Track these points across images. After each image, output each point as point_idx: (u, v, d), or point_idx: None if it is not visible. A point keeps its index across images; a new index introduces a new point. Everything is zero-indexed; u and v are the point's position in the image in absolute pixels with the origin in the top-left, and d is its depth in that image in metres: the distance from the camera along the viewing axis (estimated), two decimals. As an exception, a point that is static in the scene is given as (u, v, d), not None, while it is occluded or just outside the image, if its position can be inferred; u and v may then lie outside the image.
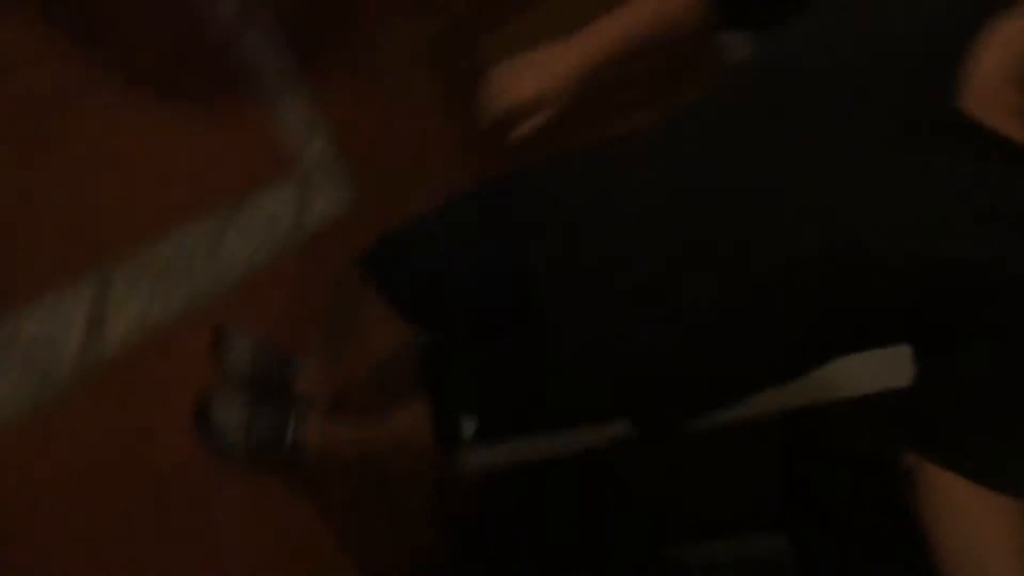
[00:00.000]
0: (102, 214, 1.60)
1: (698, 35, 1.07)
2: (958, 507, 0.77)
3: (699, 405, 1.08)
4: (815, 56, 0.83)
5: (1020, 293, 0.73)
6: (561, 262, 1.05)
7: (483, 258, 1.15)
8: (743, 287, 0.87)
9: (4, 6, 1.54)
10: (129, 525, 1.45)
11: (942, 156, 0.75)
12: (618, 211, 1.00)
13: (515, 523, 2.24)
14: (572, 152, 1.14)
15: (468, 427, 1.17)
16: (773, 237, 0.83)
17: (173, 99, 1.81)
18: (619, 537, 2.16)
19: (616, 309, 0.99)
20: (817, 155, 0.80)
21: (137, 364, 1.55)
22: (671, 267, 0.93)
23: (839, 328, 0.87)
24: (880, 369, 1.17)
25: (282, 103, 2.08)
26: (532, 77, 1.05)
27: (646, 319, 0.97)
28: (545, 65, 1.06)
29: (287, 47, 2.15)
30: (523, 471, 1.98)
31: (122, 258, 1.59)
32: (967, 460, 0.77)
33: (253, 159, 1.96)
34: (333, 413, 1.54)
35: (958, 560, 0.76)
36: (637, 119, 1.13)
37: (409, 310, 1.23)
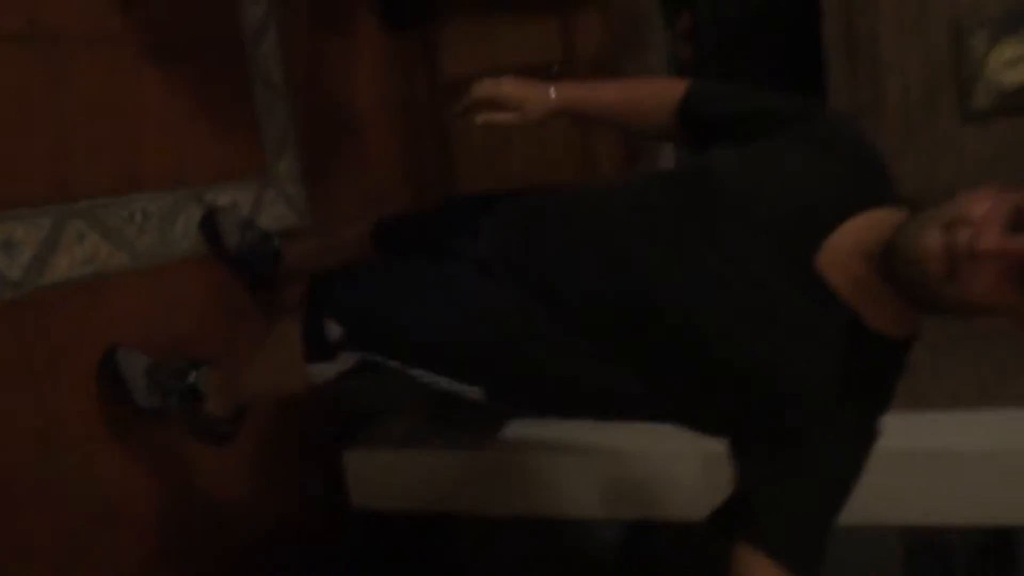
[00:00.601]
0: (82, 156, 1.68)
1: (654, 137, 1.38)
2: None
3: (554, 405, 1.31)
4: (741, 194, 1.09)
5: (816, 408, 1.01)
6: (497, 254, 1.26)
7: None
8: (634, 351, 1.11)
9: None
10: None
11: (795, 294, 1.03)
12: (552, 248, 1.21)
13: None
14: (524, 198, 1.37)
15: (334, 330, 1.25)
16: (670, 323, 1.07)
17: (181, 77, 1.92)
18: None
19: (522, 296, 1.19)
20: (721, 276, 1.06)
21: (63, 303, 1.62)
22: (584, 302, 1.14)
23: (694, 407, 1.12)
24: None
25: (270, 113, 2.21)
26: (518, 85, 1.29)
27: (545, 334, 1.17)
28: (532, 86, 1.29)
29: (290, 68, 2.30)
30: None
31: (86, 203, 1.67)
32: (768, 540, 0.99)
33: (229, 153, 2.07)
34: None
35: None
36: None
37: None
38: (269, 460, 2.12)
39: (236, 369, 1.59)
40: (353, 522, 2.32)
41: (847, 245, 1.03)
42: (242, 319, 2.01)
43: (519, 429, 2.25)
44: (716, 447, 1.13)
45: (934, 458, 1.88)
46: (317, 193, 2.36)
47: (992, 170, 2.43)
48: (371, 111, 2.67)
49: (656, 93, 1.30)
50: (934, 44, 2.47)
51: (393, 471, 2.26)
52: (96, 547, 1.66)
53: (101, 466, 1.68)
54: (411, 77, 2.85)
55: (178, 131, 1.92)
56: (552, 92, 1.29)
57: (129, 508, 1.74)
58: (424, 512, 2.25)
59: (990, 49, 2.36)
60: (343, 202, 2.46)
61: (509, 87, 1.28)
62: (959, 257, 0.88)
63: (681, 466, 1.98)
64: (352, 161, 2.55)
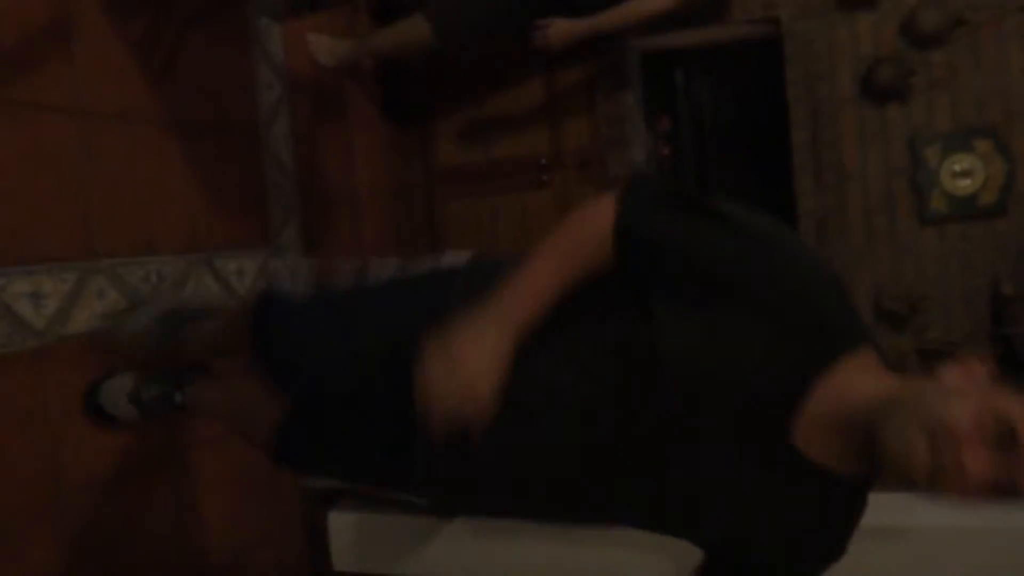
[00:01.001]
0: (107, 220, 1.80)
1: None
2: None
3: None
4: (700, 387, 1.01)
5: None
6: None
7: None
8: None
9: (121, 23, 1.81)
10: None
11: (776, 474, 1.01)
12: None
13: None
14: None
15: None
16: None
17: (199, 153, 2.06)
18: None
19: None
20: (701, 467, 1.03)
21: (82, 352, 1.71)
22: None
23: None
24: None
25: (278, 189, 2.36)
26: (472, 378, 1.01)
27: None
28: (481, 361, 1.02)
29: (298, 149, 2.46)
30: None
31: (107, 262, 1.78)
32: None
33: (238, 224, 2.20)
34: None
35: None
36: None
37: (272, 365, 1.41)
38: (254, 518, 2.18)
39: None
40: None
41: (819, 418, 0.99)
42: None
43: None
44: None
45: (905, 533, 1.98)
46: (317, 264, 2.49)
47: (947, 268, 2.63)
48: (368, 193, 2.83)
49: (582, 240, 1.10)
50: (893, 155, 2.70)
51: (377, 534, 2.31)
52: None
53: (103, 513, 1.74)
54: (408, 164, 3.03)
55: (194, 201, 2.05)
56: (498, 356, 1.04)
57: (125, 551, 1.78)
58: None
59: (942, 161, 2.59)
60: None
61: (468, 397, 1.02)
62: (942, 473, 0.88)
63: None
64: (349, 236, 2.70)
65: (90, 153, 1.77)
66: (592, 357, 1.09)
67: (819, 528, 1.08)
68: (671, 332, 1.03)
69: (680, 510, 1.09)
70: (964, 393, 0.91)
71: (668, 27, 2.70)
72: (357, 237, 2.73)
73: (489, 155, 2.99)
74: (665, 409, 1.02)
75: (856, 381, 0.99)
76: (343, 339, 1.29)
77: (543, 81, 2.94)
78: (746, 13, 2.77)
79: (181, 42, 2.01)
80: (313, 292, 1.60)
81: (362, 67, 2.81)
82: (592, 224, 1.09)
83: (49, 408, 1.63)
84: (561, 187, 2.90)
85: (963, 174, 2.57)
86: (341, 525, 2.35)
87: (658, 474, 1.05)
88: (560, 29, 2.40)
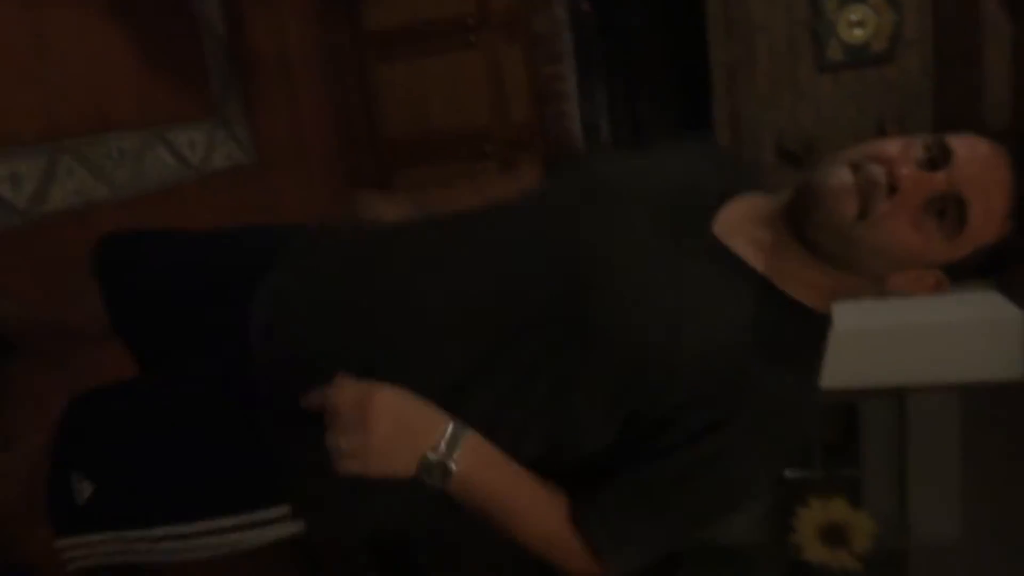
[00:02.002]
0: (65, 101, 1.87)
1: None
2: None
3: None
4: (628, 182, 0.98)
5: (727, 383, 0.86)
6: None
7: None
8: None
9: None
10: None
11: (699, 262, 0.91)
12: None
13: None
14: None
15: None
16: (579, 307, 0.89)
17: (140, 32, 2.11)
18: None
19: None
20: (620, 252, 0.92)
21: (57, 236, 1.82)
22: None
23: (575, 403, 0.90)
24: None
25: (216, 61, 2.42)
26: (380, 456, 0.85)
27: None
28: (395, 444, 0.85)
29: (231, 20, 2.50)
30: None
31: (73, 141, 1.87)
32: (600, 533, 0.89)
33: (184, 98, 2.28)
34: None
35: None
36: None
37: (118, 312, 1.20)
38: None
39: None
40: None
41: (741, 214, 0.95)
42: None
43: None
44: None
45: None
46: (260, 134, 2.59)
47: (842, 112, 2.90)
48: (301, 60, 2.89)
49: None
50: (795, 7, 2.91)
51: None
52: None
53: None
54: (337, 30, 3.07)
55: (141, 78, 2.11)
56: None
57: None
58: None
59: (839, 12, 2.81)
60: (281, 141, 2.69)
61: None
62: (872, 194, 0.81)
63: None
64: (287, 104, 2.78)
65: (40, 39, 1.82)
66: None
67: (770, 339, 0.89)
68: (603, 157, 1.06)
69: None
70: (892, 139, 0.86)
71: None
72: (294, 105, 2.81)
73: (416, 15, 3.06)
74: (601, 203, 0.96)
75: (769, 201, 0.96)
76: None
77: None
78: None
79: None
80: None
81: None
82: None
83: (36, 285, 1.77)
84: (489, 50, 3.01)
85: (858, 24, 2.80)
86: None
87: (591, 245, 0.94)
88: None
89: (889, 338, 2.39)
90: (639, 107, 3.57)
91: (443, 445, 0.85)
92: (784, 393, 0.87)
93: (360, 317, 0.95)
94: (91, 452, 1.05)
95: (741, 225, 0.94)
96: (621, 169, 1.04)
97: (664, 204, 0.95)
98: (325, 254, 1.07)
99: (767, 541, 2.77)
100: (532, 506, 0.90)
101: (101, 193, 1.95)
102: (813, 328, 0.95)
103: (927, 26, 2.77)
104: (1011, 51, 2.67)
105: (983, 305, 2.42)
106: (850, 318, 2.38)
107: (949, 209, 0.82)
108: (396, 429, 0.84)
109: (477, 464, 0.86)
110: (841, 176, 0.84)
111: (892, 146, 0.84)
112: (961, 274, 0.88)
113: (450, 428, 0.85)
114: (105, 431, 1.06)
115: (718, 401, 0.85)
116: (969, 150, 0.83)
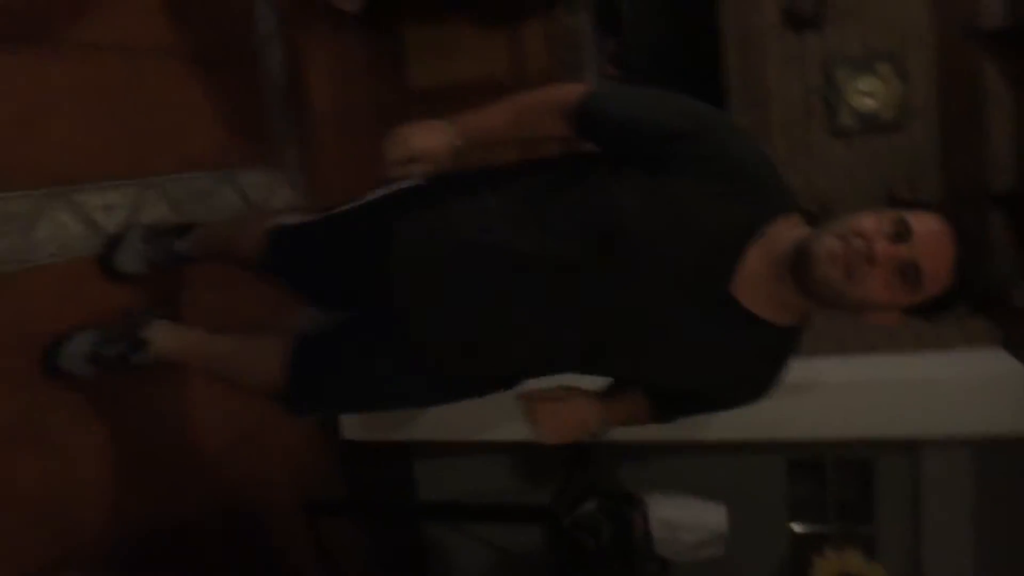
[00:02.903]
0: (149, 141, 2.08)
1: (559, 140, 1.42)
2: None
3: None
4: (652, 240, 1.22)
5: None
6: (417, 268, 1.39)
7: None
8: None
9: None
10: None
11: (716, 316, 1.25)
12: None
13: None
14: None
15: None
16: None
17: (212, 78, 2.33)
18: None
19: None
20: (648, 301, 1.25)
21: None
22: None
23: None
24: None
25: (277, 111, 2.64)
26: (423, 137, 1.36)
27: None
28: (433, 133, 1.37)
29: (292, 74, 2.73)
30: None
31: (159, 179, 2.07)
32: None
33: (251, 144, 2.49)
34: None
35: None
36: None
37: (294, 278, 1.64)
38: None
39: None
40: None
41: (756, 270, 1.22)
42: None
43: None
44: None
45: (816, 387, 2.47)
46: (314, 180, 2.80)
47: (853, 175, 3.10)
48: (353, 113, 3.12)
49: (545, 102, 1.34)
50: (809, 76, 3.12)
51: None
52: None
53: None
54: (384, 84, 3.31)
55: (214, 124, 2.32)
56: (452, 135, 1.37)
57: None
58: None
59: (850, 82, 3.03)
60: (333, 187, 2.90)
61: (417, 142, 1.35)
62: (855, 262, 1.11)
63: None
64: (339, 153, 3.00)
65: (130, 84, 2.03)
66: (561, 223, 1.28)
67: (753, 368, 1.34)
68: (629, 196, 1.24)
69: (627, 350, 1.31)
70: (868, 214, 1.16)
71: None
72: (346, 155, 3.03)
73: (455, 77, 3.30)
74: (621, 266, 1.23)
75: (786, 233, 1.22)
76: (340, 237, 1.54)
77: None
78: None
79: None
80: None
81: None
82: (559, 95, 1.33)
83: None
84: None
85: (868, 93, 3.02)
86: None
87: (610, 318, 1.27)
88: None
89: (902, 391, 2.51)
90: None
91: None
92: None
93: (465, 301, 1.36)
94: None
95: (756, 283, 1.23)
96: (650, 222, 1.23)
97: (687, 268, 1.23)
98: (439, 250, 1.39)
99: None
100: None
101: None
102: (792, 338, 1.34)
103: (933, 96, 2.98)
104: (1013, 118, 2.87)
105: (991, 362, 2.56)
106: (865, 371, 2.55)
107: (909, 272, 1.12)
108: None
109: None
110: (830, 245, 1.13)
111: (868, 221, 1.14)
112: (916, 313, 1.20)
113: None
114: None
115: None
116: (925, 227, 1.13)
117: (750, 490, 2.90)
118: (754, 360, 1.33)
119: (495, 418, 2.60)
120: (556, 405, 1.36)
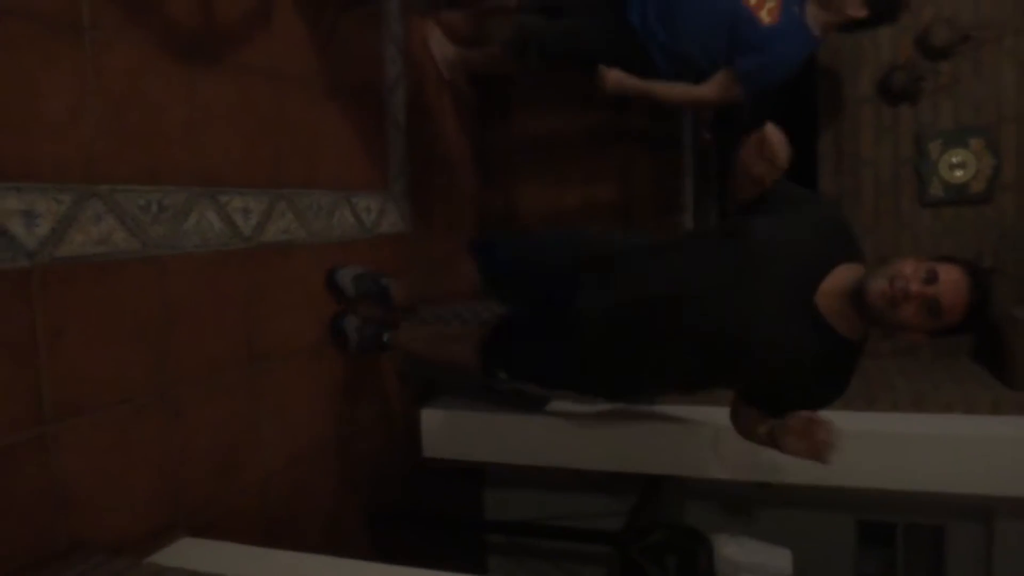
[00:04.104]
0: (288, 158, 2.33)
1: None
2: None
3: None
4: (772, 258, 1.78)
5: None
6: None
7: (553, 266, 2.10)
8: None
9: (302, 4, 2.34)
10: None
11: (800, 318, 1.74)
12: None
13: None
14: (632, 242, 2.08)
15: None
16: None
17: (344, 109, 2.59)
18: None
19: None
20: (757, 299, 1.77)
21: (267, 263, 2.24)
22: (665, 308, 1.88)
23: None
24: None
25: (394, 145, 2.89)
26: (782, 139, 1.76)
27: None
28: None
29: (410, 114, 2.99)
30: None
31: (289, 191, 2.32)
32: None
33: (368, 170, 2.74)
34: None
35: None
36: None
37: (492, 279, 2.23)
38: (365, 413, 2.72)
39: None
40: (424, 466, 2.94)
41: (832, 288, 1.74)
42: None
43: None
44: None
45: (890, 439, 2.51)
46: (418, 210, 3.03)
47: (940, 245, 3.14)
48: (461, 154, 3.36)
49: None
50: (901, 147, 3.22)
51: (460, 427, 2.87)
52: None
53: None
54: (491, 130, 3.56)
55: (340, 150, 2.58)
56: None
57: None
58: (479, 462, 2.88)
59: (942, 154, 3.10)
60: (435, 219, 3.13)
61: (777, 139, 1.74)
62: (897, 297, 1.60)
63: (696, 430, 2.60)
64: (444, 189, 3.23)
65: (274, 106, 2.30)
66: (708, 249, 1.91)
67: (826, 370, 1.79)
68: (761, 224, 1.81)
69: (734, 345, 1.79)
70: (909, 262, 1.65)
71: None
72: (449, 191, 3.27)
73: (558, 128, 3.52)
74: (745, 269, 1.77)
75: (852, 272, 1.75)
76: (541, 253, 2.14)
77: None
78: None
79: (338, 21, 2.54)
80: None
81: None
82: None
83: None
84: (621, 158, 3.43)
85: (958, 166, 3.08)
86: (431, 419, 2.90)
87: (724, 316, 1.78)
88: (613, 77, 2.66)
89: (976, 449, 2.52)
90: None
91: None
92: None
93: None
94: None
95: (831, 298, 1.74)
96: (773, 248, 1.78)
97: (792, 281, 1.74)
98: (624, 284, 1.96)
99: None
100: None
101: (301, 235, 2.37)
102: (856, 351, 1.79)
103: (1023, 172, 3.03)
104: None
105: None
106: (939, 426, 2.57)
107: (934, 306, 1.60)
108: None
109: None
110: (882, 286, 1.63)
111: (908, 267, 1.62)
112: (937, 335, 1.67)
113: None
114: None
115: None
116: (948, 276, 1.60)
117: (817, 547, 2.91)
118: (822, 357, 1.76)
119: (569, 447, 2.72)
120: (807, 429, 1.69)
